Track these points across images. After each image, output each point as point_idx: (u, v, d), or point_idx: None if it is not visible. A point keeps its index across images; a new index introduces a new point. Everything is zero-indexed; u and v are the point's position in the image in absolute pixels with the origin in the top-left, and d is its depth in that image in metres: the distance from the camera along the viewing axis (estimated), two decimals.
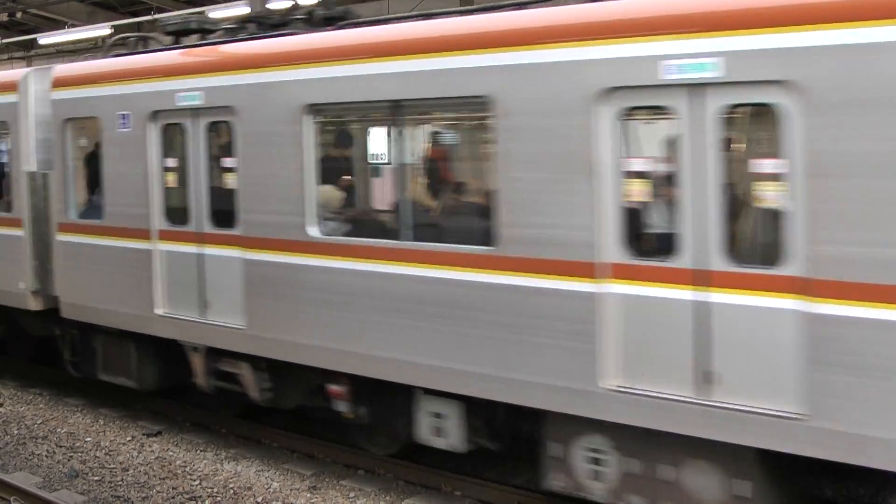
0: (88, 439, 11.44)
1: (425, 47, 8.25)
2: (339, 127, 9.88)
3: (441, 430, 8.76)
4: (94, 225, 11.47)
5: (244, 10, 22.70)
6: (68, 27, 29.47)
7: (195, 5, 27.53)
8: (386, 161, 9.15)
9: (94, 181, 11.74)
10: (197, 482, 9.95)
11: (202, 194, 10.20)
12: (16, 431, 11.86)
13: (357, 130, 10.08)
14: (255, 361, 9.97)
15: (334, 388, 9.34)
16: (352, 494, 9.52)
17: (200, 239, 10.25)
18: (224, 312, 10.05)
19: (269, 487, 9.74)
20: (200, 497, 9.57)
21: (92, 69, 11.57)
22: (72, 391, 13.39)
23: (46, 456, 10.92)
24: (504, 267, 7.86)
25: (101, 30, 28.22)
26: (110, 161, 11.17)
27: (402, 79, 8.36)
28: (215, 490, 9.72)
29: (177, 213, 10.58)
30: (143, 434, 11.56)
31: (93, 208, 11.69)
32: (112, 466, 10.49)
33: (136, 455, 10.82)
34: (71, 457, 10.85)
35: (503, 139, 7.80)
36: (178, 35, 11.60)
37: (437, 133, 9.35)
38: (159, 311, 10.74)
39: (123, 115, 10.93)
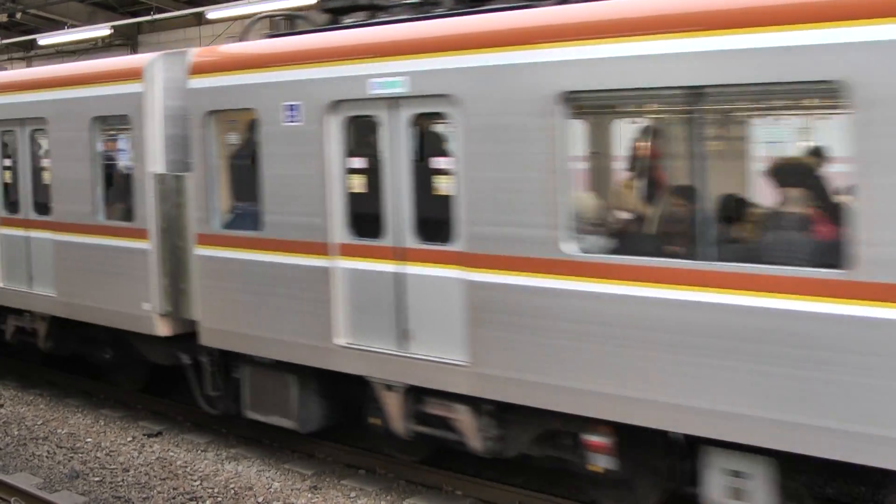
0: (89, 440, 11.60)
1: (740, 21, 6.85)
2: (606, 119, 8.44)
3: (741, 492, 7.39)
4: (247, 237, 10.00)
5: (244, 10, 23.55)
6: (68, 27, 29.70)
7: (195, 5, 28.38)
8: (668, 161, 7.75)
9: (243, 185, 10.31)
10: (198, 482, 10.10)
11: (403, 201, 8.77)
12: (16, 432, 12.03)
13: (630, 124, 8.64)
14: (477, 404, 8.57)
15: (595, 439, 7.95)
16: (353, 494, 9.64)
17: (400, 255, 8.83)
18: (434, 345, 8.63)
19: (270, 487, 9.89)
20: (201, 497, 9.69)
21: (246, 51, 10.09)
22: (72, 392, 13.70)
23: (47, 457, 11.08)
24: (864, 295, 6.46)
25: (101, 30, 28.87)
26: (272, 161, 9.72)
27: (705, 59, 6.94)
28: (216, 490, 9.87)
29: (366, 224, 9.13)
30: (144, 434, 11.72)
31: (243, 217, 10.21)
32: (113, 467, 10.64)
33: (136, 455, 10.99)
34: (71, 457, 11.01)
35: (866, 135, 6.39)
36: (341, 13, 10.20)
37: (750, 127, 7.92)
38: (340, 341, 9.31)
39: (291, 105, 9.48)
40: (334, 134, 9.20)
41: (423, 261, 8.68)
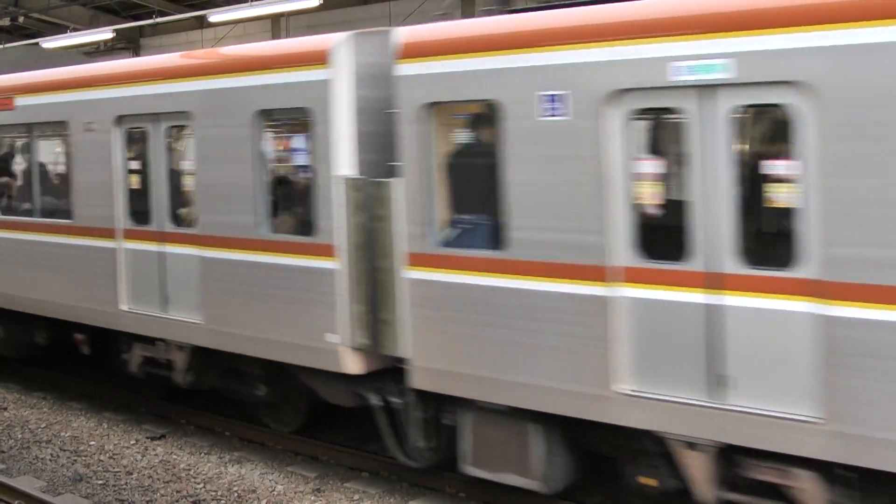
0: (92, 443, 11.83)
1: None
2: None
3: None
4: (484, 258, 8.50)
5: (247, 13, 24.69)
6: (70, 31, 30.43)
7: (196, 9, 29.59)
8: None
9: (472, 193, 8.83)
10: (201, 485, 10.31)
11: (720, 215, 7.27)
12: (20, 435, 12.25)
13: None
14: (828, 470, 7.13)
15: None
16: (356, 497, 9.85)
17: (715, 283, 7.33)
18: (765, 395, 7.13)
19: (274, 490, 10.10)
20: (205, 500, 9.87)
21: (483, 29, 8.57)
22: (75, 395, 13.88)
23: (50, 459, 11.31)
24: None
25: (103, 34, 29.85)
26: (522, 164, 8.19)
27: None
28: (219, 493, 10.06)
29: (661, 243, 7.67)
30: (147, 437, 11.94)
31: (472, 233, 8.70)
32: (116, 470, 10.87)
33: (139, 458, 11.22)
34: (75, 460, 11.24)
35: None
36: None
37: None
38: (622, 387, 7.83)
39: (552, 96, 7.99)
40: (616, 130, 7.72)
41: (751, 290, 7.20)
